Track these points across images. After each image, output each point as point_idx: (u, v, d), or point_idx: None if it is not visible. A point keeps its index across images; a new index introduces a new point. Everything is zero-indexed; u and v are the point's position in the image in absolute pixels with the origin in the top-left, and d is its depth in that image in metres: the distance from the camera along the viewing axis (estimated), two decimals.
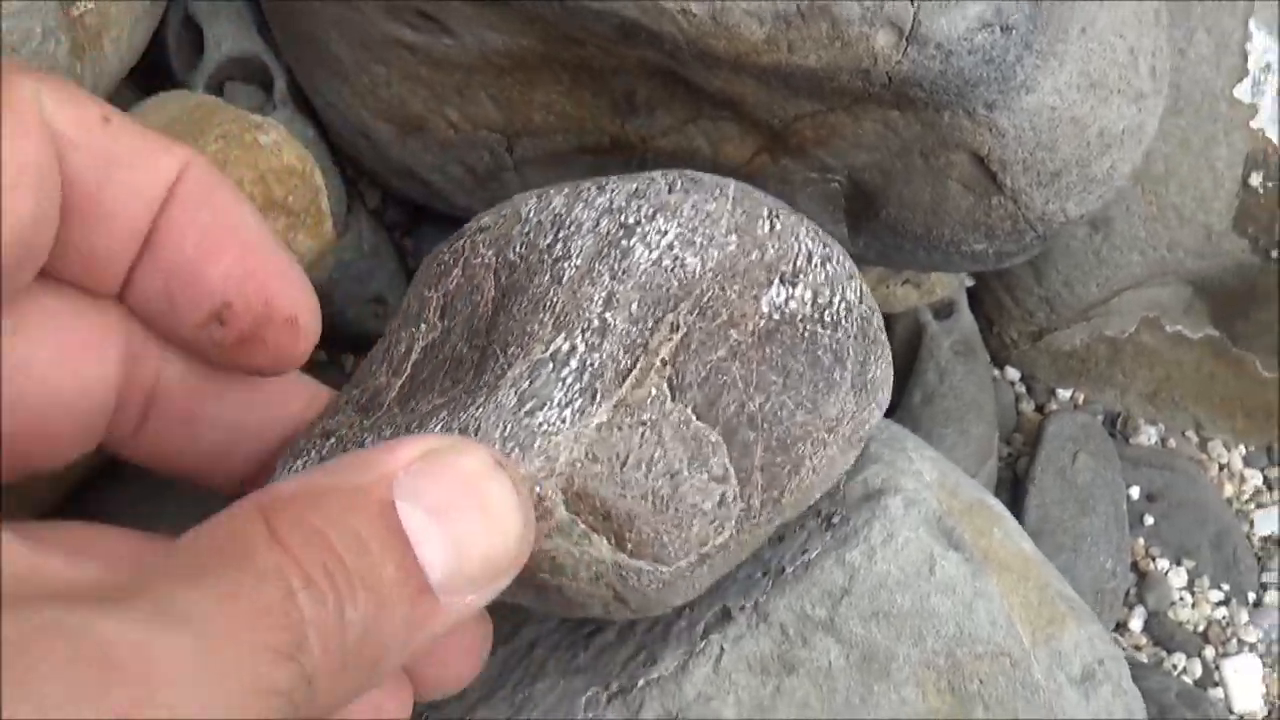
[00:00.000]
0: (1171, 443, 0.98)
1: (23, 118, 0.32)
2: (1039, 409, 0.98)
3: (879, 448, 0.64)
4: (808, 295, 0.43)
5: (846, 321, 0.44)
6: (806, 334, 0.43)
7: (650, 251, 0.42)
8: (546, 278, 0.43)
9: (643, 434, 0.39)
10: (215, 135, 0.69)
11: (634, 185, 0.46)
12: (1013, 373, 0.99)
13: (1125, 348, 0.96)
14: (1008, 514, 0.65)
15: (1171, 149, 0.84)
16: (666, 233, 0.43)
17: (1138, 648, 0.89)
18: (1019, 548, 0.63)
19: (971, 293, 0.95)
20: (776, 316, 0.42)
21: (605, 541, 0.39)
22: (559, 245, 0.45)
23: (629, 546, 0.39)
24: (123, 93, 0.83)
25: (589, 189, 0.48)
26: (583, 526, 0.39)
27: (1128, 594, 0.91)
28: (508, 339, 0.42)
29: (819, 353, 0.43)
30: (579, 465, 0.39)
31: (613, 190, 0.47)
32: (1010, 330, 0.96)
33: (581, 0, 0.57)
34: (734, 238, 0.43)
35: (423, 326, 0.46)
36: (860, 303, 0.45)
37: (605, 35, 0.60)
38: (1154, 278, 0.90)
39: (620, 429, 0.39)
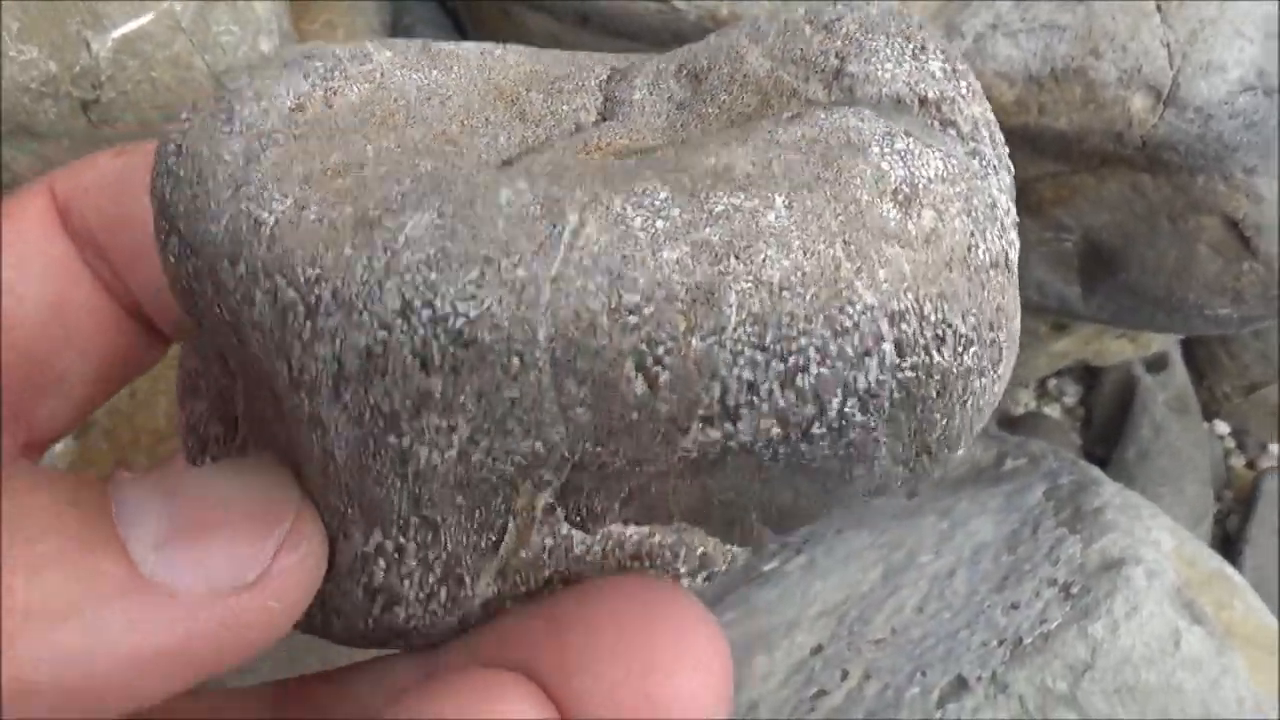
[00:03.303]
0: None
1: None
2: (1250, 464, 0.95)
3: (1115, 514, 0.63)
4: None
5: None
6: None
7: None
8: None
9: None
10: None
11: None
12: (1222, 426, 0.96)
13: None
14: (1247, 585, 0.63)
15: None
16: None
17: None
18: (1262, 622, 0.61)
19: (1183, 345, 0.92)
20: None
21: None
22: None
23: None
24: None
25: None
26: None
27: None
28: None
29: None
30: None
31: None
32: (1222, 384, 0.93)
33: None
34: None
35: None
36: None
37: None
38: None
39: None
